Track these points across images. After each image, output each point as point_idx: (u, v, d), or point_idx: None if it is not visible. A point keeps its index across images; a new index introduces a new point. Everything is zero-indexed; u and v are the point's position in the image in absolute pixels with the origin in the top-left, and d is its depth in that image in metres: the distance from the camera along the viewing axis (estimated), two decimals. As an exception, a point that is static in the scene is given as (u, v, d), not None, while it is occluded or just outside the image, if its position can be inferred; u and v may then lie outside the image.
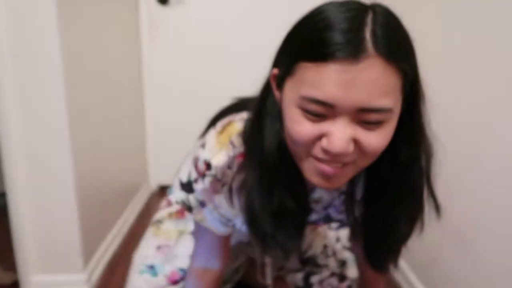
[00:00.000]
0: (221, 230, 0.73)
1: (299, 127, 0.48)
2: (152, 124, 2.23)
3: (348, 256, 1.05)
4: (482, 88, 0.92)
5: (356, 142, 0.47)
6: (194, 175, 0.66)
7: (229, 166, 0.62)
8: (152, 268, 0.93)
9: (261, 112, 0.57)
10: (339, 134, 0.46)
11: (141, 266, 0.95)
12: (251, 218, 0.60)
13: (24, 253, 1.25)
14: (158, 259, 0.94)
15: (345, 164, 0.50)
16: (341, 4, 0.46)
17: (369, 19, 0.44)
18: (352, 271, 1.03)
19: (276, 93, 0.54)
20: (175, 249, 0.95)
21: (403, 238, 0.60)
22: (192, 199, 0.69)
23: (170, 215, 1.01)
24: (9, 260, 1.33)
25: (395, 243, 0.60)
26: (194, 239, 0.82)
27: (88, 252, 1.33)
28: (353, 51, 0.42)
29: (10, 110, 1.15)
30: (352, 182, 0.62)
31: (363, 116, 0.46)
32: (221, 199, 0.66)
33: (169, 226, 0.99)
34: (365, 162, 0.51)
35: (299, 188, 0.58)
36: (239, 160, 0.62)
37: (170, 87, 2.18)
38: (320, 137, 0.48)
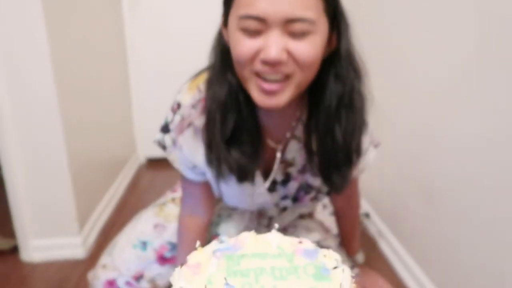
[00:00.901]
0: (190, 175, 0.78)
1: (241, 46, 0.56)
2: (137, 98, 2.28)
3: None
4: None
5: (289, 53, 0.55)
6: (170, 116, 0.74)
7: (193, 106, 0.71)
8: (144, 244, 0.97)
9: (216, 64, 0.67)
10: (273, 44, 0.54)
11: (135, 240, 0.98)
12: (209, 143, 0.68)
13: (21, 220, 1.33)
14: (152, 236, 0.98)
15: (284, 79, 0.58)
16: None
17: None
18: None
19: (225, 33, 0.63)
20: (168, 228, 0.99)
21: (349, 153, 0.68)
22: (167, 138, 0.76)
23: (173, 200, 1.06)
24: (7, 227, 1.42)
25: (343, 160, 0.68)
26: (181, 189, 0.88)
27: (82, 217, 1.41)
28: None
29: (1, 88, 1.20)
30: (308, 134, 0.70)
31: (291, 27, 0.54)
32: (185, 140, 0.73)
33: (171, 210, 1.03)
34: (300, 76, 0.58)
35: (249, 113, 0.66)
36: (203, 103, 0.70)
37: (152, 58, 2.21)
38: (258, 52, 0.56)
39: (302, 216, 1.01)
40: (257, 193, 0.79)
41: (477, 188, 0.89)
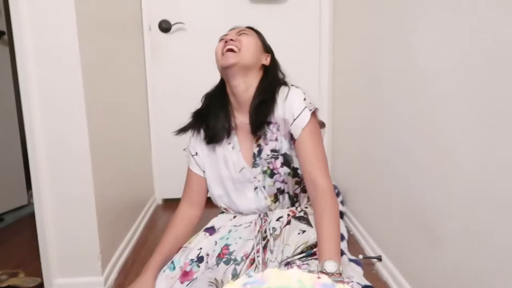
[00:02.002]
0: (192, 165, 1.19)
1: (217, 47, 1.13)
2: (156, 146, 2.43)
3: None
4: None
5: (238, 39, 1.08)
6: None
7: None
8: (172, 263, 1.09)
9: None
10: (230, 33, 1.11)
11: (165, 266, 1.11)
12: (197, 117, 1.19)
13: (48, 259, 1.40)
14: (179, 255, 1.12)
15: (235, 51, 1.06)
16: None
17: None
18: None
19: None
20: (193, 249, 1.11)
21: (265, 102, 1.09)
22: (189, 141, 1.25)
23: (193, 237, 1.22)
24: (34, 266, 1.49)
25: (262, 110, 1.09)
26: (185, 182, 1.22)
27: (105, 257, 1.48)
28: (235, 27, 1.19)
29: (37, 131, 1.32)
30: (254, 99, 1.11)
31: (239, 33, 1.09)
32: (194, 134, 1.22)
33: (192, 237, 1.18)
34: (244, 55, 1.07)
35: (220, 98, 1.18)
36: None
37: (171, 106, 2.36)
38: (224, 44, 1.09)
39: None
40: (242, 168, 1.11)
41: (482, 224, 0.94)
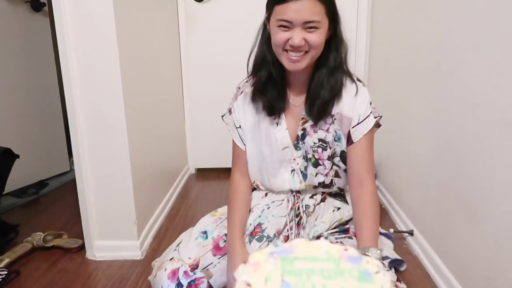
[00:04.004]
0: (237, 140, 1.14)
1: (278, 35, 0.93)
2: (189, 116, 2.46)
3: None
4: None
5: (305, 40, 0.92)
6: (232, 97, 1.15)
7: (247, 81, 1.12)
8: (205, 233, 1.13)
9: (259, 40, 1.04)
10: (296, 35, 0.91)
11: (197, 233, 1.15)
12: (258, 88, 1.05)
13: (88, 223, 1.48)
14: (211, 226, 1.15)
15: (303, 54, 0.94)
16: None
17: None
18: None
19: (267, 25, 1.00)
20: (225, 221, 1.14)
21: (331, 92, 1.01)
22: (227, 110, 1.17)
23: (223, 208, 1.24)
24: (76, 229, 1.58)
25: (325, 96, 1.01)
26: (233, 153, 1.18)
27: (140, 223, 1.54)
28: None
29: (76, 102, 1.37)
30: (310, 85, 1.03)
31: (306, 25, 0.90)
32: (237, 104, 1.12)
33: (224, 209, 1.22)
34: (313, 53, 0.95)
35: (278, 74, 1.03)
36: (252, 79, 1.09)
37: (205, 77, 2.37)
38: (287, 40, 0.92)
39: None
40: (285, 147, 1.07)
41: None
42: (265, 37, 1.03)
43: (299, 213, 1.10)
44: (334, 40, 1.00)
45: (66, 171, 2.45)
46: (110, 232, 1.50)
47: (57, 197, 2.15)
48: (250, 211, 1.13)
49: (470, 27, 1.12)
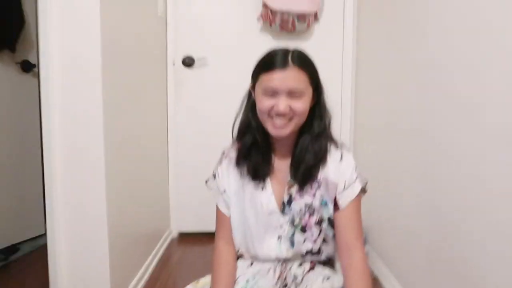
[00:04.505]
0: (221, 206, 1.10)
1: (263, 103, 0.96)
2: (174, 177, 2.41)
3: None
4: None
5: (290, 107, 0.94)
6: (216, 166, 1.13)
7: (231, 146, 1.11)
8: None
9: (244, 107, 1.06)
10: (281, 103, 0.93)
11: None
12: (243, 152, 1.05)
13: (58, 292, 1.36)
14: None
15: (287, 121, 0.95)
16: (278, 48, 0.98)
17: (290, 52, 0.96)
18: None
19: (253, 92, 1.03)
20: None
21: (315, 157, 1.01)
22: (211, 175, 1.14)
23: (204, 277, 1.16)
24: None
25: (310, 160, 1.00)
26: (216, 221, 1.13)
27: (115, 293, 1.43)
28: (284, 65, 0.93)
29: (54, 162, 1.33)
30: (295, 150, 1.03)
31: (291, 93, 0.93)
32: (221, 169, 1.10)
33: (206, 280, 1.14)
34: (298, 120, 0.97)
35: (263, 139, 1.03)
36: (237, 144, 1.08)
37: (191, 140, 2.37)
38: (272, 107, 0.94)
39: None
40: (271, 212, 1.04)
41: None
42: (250, 104, 1.05)
43: (287, 283, 1.04)
44: (318, 107, 1.03)
45: (39, 234, 2.32)
46: (81, 303, 1.38)
47: (28, 263, 2.01)
48: (235, 282, 1.06)
49: (453, 89, 1.16)
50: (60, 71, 1.32)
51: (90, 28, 1.32)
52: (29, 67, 2.19)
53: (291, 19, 2.19)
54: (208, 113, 2.35)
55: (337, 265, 1.10)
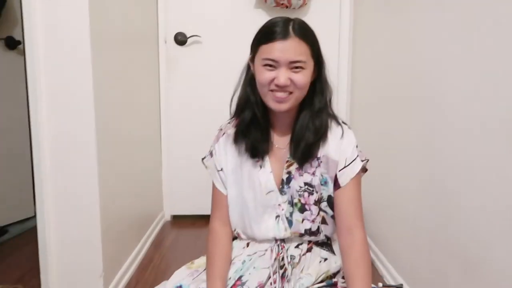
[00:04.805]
0: (218, 184, 1.07)
1: (263, 75, 0.92)
2: (167, 158, 2.37)
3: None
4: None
5: (291, 80, 0.90)
6: (213, 139, 1.09)
7: (229, 122, 1.08)
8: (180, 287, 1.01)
9: (242, 82, 1.02)
10: (282, 75, 0.90)
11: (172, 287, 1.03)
12: (241, 129, 1.01)
13: (47, 276, 1.33)
14: (187, 280, 1.03)
15: (288, 94, 0.92)
16: (278, 17, 0.94)
17: (291, 22, 0.91)
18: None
19: (251, 65, 0.99)
20: (203, 274, 1.04)
21: (315, 133, 0.98)
22: (207, 152, 1.10)
23: (199, 258, 1.14)
24: (35, 281, 1.42)
25: (310, 138, 0.97)
26: (212, 200, 1.10)
27: (107, 276, 1.40)
28: (285, 36, 0.89)
29: (43, 143, 1.28)
30: (295, 126, 0.99)
31: (292, 65, 0.90)
32: (219, 146, 1.06)
33: (201, 261, 1.12)
34: (298, 94, 0.93)
35: (262, 115, 1.00)
36: (235, 120, 1.05)
37: (184, 120, 2.32)
38: (273, 79, 0.91)
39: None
40: (269, 191, 1.01)
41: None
42: (249, 78, 1.01)
43: (284, 264, 1.01)
44: (319, 83, 0.99)
45: (29, 216, 2.28)
46: (72, 285, 1.35)
47: (16, 246, 1.97)
48: (231, 263, 1.04)
49: (452, 73, 1.12)
50: (47, 49, 1.25)
51: (77, 4, 1.25)
52: (13, 44, 2.10)
53: (286, -6, 2.12)
54: (202, 91, 2.29)
55: (335, 246, 1.08)
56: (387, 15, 1.69)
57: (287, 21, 0.92)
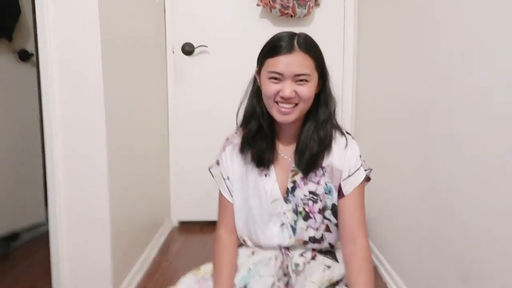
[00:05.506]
0: (224, 192, 1.09)
1: (269, 87, 0.95)
2: (175, 165, 2.41)
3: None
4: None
5: (296, 92, 0.94)
6: (220, 149, 1.12)
7: (236, 132, 1.10)
8: None
9: (249, 93, 1.05)
10: (287, 87, 0.93)
11: None
12: (247, 139, 1.04)
13: (60, 281, 1.37)
14: (194, 287, 1.05)
15: (293, 106, 0.95)
16: (284, 32, 0.97)
17: (296, 36, 0.95)
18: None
19: (257, 78, 1.02)
20: (209, 281, 1.06)
21: (319, 144, 1.00)
22: (214, 161, 1.13)
23: (205, 265, 1.15)
24: (47, 285, 1.46)
25: (314, 148, 1.00)
26: (219, 207, 1.12)
27: (117, 281, 1.44)
28: (290, 49, 0.92)
29: (56, 150, 1.33)
30: (300, 136, 1.02)
31: (296, 78, 0.93)
32: (225, 155, 1.09)
33: (208, 268, 1.12)
34: (303, 106, 0.96)
35: (267, 126, 1.03)
36: (241, 130, 1.08)
37: (192, 129, 2.36)
38: (278, 92, 0.94)
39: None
40: (274, 199, 1.03)
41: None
42: (255, 90, 1.05)
43: (288, 272, 1.04)
44: (323, 94, 1.02)
45: (40, 222, 2.32)
46: (82, 291, 1.39)
47: (29, 252, 2.02)
48: (236, 270, 1.06)
49: (459, 79, 1.14)
50: (59, 61, 1.31)
51: (88, 17, 1.30)
52: (26, 56, 2.16)
53: (291, 4, 2.16)
54: (209, 101, 2.33)
55: (338, 254, 1.10)
56: (392, 22, 1.71)
57: (292, 35, 0.95)
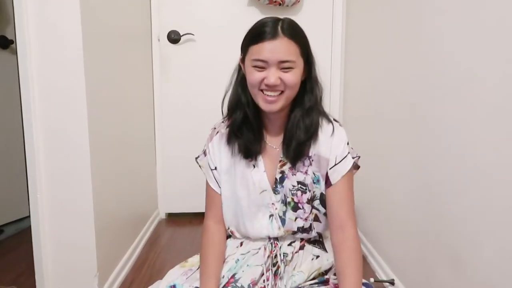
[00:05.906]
0: (212, 183, 1.08)
1: (253, 75, 0.92)
2: (162, 156, 2.37)
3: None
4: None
5: (281, 79, 0.91)
6: (207, 138, 1.09)
7: (222, 121, 1.08)
8: (173, 287, 1.02)
9: (233, 82, 1.03)
10: (272, 75, 0.90)
11: (165, 287, 1.03)
12: (233, 130, 1.02)
13: (43, 276, 1.33)
14: (180, 279, 1.04)
15: (278, 94, 0.92)
16: (268, 17, 0.93)
17: (280, 22, 0.91)
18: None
19: (242, 66, 0.99)
20: (196, 273, 1.05)
21: (306, 132, 0.98)
22: (201, 151, 1.11)
23: (193, 257, 1.15)
24: (29, 282, 1.42)
25: (301, 136, 0.98)
26: (206, 199, 1.10)
27: (102, 275, 1.40)
28: (274, 36, 0.89)
29: (37, 143, 1.28)
30: (286, 125, 1.00)
31: (281, 65, 0.90)
32: (212, 145, 1.07)
33: (195, 259, 1.12)
34: (289, 93, 0.93)
35: (255, 116, 1.01)
36: (224, 121, 1.06)
37: (179, 118, 2.32)
38: (263, 79, 0.91)
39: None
40: (263, 190, 1.02)
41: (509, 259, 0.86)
42: (240, 79, 1.02)
43: (277, 262, 1.03)
44: (309, 81, 0.99)
45: (24, 216, 2.27)
46: (67, 286, 1.35)
47: (12, 246, 1.97)
48: (224, 261, 1.05)
49: (447, 70, 1.13)
50: (38, 49, 1.25)
51: (69, 2, 1.24)
52: (6, 43, 2.09)
53: (280, -7, 2.12)
54: (196, 90, 2.29)
55: (327, 243, 1.09)
56: (381, 12, 1.69)
57: (276, 21, 0.92)
